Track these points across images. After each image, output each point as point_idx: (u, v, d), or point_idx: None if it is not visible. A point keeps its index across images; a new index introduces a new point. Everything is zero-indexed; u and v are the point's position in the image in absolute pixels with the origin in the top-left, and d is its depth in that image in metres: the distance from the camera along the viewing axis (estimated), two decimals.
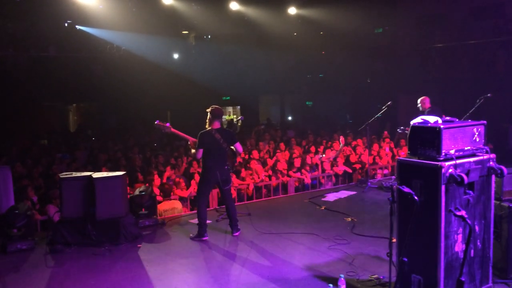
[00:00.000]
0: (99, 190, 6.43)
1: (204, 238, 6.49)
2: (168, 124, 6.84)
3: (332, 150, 11.67)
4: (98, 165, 10.03)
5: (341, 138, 10.81)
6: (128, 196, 7.22)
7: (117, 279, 5.32)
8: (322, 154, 11.31)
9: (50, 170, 9.67)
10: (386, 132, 13.45)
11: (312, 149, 11.78)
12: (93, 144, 13.55)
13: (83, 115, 21.40)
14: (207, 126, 6.52)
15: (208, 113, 6.52)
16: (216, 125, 6.49)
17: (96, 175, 6.65)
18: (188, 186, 8.97)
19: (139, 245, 6.40)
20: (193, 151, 6.63)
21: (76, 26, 16.45)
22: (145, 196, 7.24)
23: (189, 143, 6.83)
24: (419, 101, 8.86)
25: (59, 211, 6.73)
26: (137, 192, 7.41)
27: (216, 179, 6.49)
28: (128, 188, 7.59)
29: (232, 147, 6.66)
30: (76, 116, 21.31)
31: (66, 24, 16.63)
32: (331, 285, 4.56)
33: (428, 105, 8.82)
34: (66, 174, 6.79)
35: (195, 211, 8.36)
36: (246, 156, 10.58)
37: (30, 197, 7.82)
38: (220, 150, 6.48)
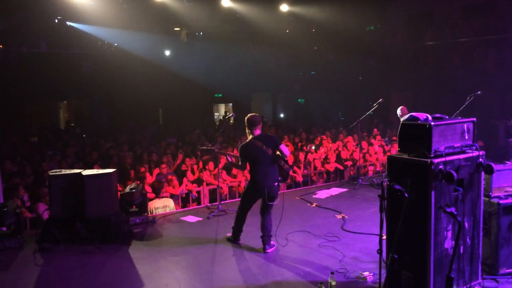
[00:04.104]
0: (88, 187, 6.38)
1: (238, 242, 6.25)
2: (212, 147, 6.83)
3: (322, 147, 11.73)
4: (89, 162, 9.97)
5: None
6: (119, 193, 7.17)
7: (107, 277, 5.28)
8: (313, 147, 11.37)
9: (40, 168, 9.59)
10: (375, 130, 13.50)
11: (305, 148, 11.82)
12: (84, 141, 13.47)
13: (74, 112, 21.26)
14: (248, 136, 6.03)
15: (245, 124, 6.02)
16: (257, 132, 5.95)
17: (85, 172, 6.59)
18: (180, 183, 8.94)
19: (129, 243, 6.35)
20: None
21: (67, 23, 16.31)
22: (136, 194, 7.18)
23: (229, 160, 6.56)
24: (398, 110, 9.27)
25: (48, 209, 6.67)
26: (127, 189, 7.36)
27: (262, 195, 5.94)
28: (119, 185, 7.54)
29: (278, 152, 6.00)
30: (67, 113, 21.16)
31: (56, 20, 16.48)
32: (321, 282, 4.57)
33: (406, 112, 9.06)
34: (56, 172, 6.72)
35: (187, 209, 8.39)
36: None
37: (21, 195, 7.75)
38: (266, 157, 5.87)
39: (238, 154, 6.19)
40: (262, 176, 5.90)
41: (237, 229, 6.26)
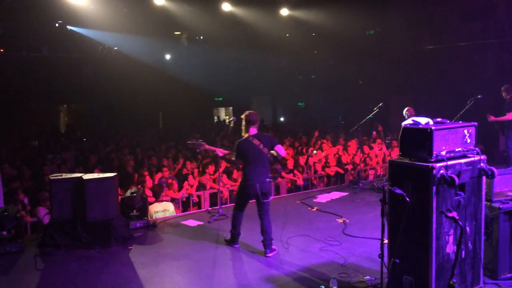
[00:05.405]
0: (89, 191, 6.37)
1: (235, 246, 6.23)
2: (201, 141, 6.72)
3: (322, 151, 11.74)
4: (88, 166, 9.96)
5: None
6: (119, 197, 7.17)
7: (107, 282, 5.27)
8: (314, 151, 11.37)
9: (41, 171, 9.58)
10: (374, 133, 13.49)
11: (305, 150, 11.83)
12: (84, 145, 13.46)
13: (74, 116, 21.28)
14: (243, 134, 6.06)
15: (243, 120, 6.05)
16: (253, 131, 6.00)
17: (86, 176, 6.59)
18: (180, 187, 8.93)
19: (130, 247, 6.35)
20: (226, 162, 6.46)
21: (67, 27, 16.33)
22: (136, 198, 7.18)
23: (220, 155, 6.59)
24: (405, 111, 9.29)
25: (49, 213, 6.66)
26: (128, 193, 7.36)
27: (255, 192, 5.92)
28: (119, 189, 7.53)
29: (273, 152, 6.05)
30: (67, 117, 21.19)
31: (56, 25, 16.50)
32: (323, 286, 4.56)
33: (413, 113, 9.08)
34: (56, 176, 6.72)
35: (187, 213, 8.38)
36: None
37: (20, 199, 7.74)
38: (261, 157, 5.93)
39: (226, 151, 6.33)
40: (254, 173, 5.92)
41: (235, 232, 6.24)
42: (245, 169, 6.01)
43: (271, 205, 7.99)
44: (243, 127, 6.07)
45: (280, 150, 6.05)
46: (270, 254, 5.92)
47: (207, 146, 6.66)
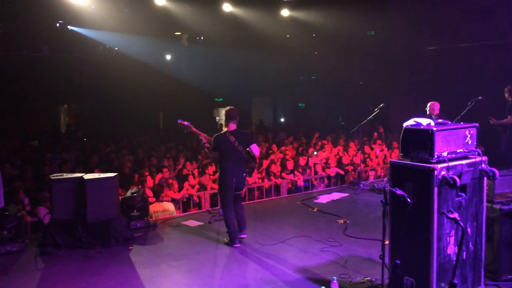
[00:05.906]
0: (90, 191, 6.36)
1: (236, 246, 6.27)
2: (188, 124, 6.74)
3: (324, 151, 11.72)
4: (89, 166, 9.96)
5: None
6: (120, 197, 7.16)
7: (108, 282, 5.27)
8: (314, 152, 11.36)
9: (41, 171, 9.57)
10: (376, 134, 13.49)
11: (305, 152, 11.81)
12: (85, 145, 13.46)
13: (75, 116, 21.30)
14: (223, 128, 6.33)
15: (223, 115, 6.35)
16: (232, 127, 6.24)
17: (87, 176, 6.58)
18: (180, 188, 8.92)
19: (130, 247, 6.34)
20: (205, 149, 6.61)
21: (68, 27, 16.34)
22: (137, 198, 7.18)
23: (203, 141, 6.65)
24: (428, 105, 8.67)
25: (49, 213, 6.66)
26: (128, 193, 7.36)
27: (231, 184, 6.19)
28: (120, 189, 7.53)
29: (248, 149, 6.31)
30: (67, 117, 21.20)
31: (57, 25, 16.52)
32: (323, 287, 4.56)
33: (437, 111, 8.57)
34: (57, 176, 6.71)
35: (188, 213, 8.38)
36: None
37: (21, 199, 7.73)
38: (236, 153, 6.19)
39: (210, 138, 6.49)
40: (230, 167, 6.20)
41: (231, 230, 6.29)
42: (222, 163, 6.29)
43: (271, 205, 8.07)
44: (223, 122, 6.36)
45: (255, 149, 6.33)
46: (243, 235, 6.37)
47: (194, 129, 6.79)
